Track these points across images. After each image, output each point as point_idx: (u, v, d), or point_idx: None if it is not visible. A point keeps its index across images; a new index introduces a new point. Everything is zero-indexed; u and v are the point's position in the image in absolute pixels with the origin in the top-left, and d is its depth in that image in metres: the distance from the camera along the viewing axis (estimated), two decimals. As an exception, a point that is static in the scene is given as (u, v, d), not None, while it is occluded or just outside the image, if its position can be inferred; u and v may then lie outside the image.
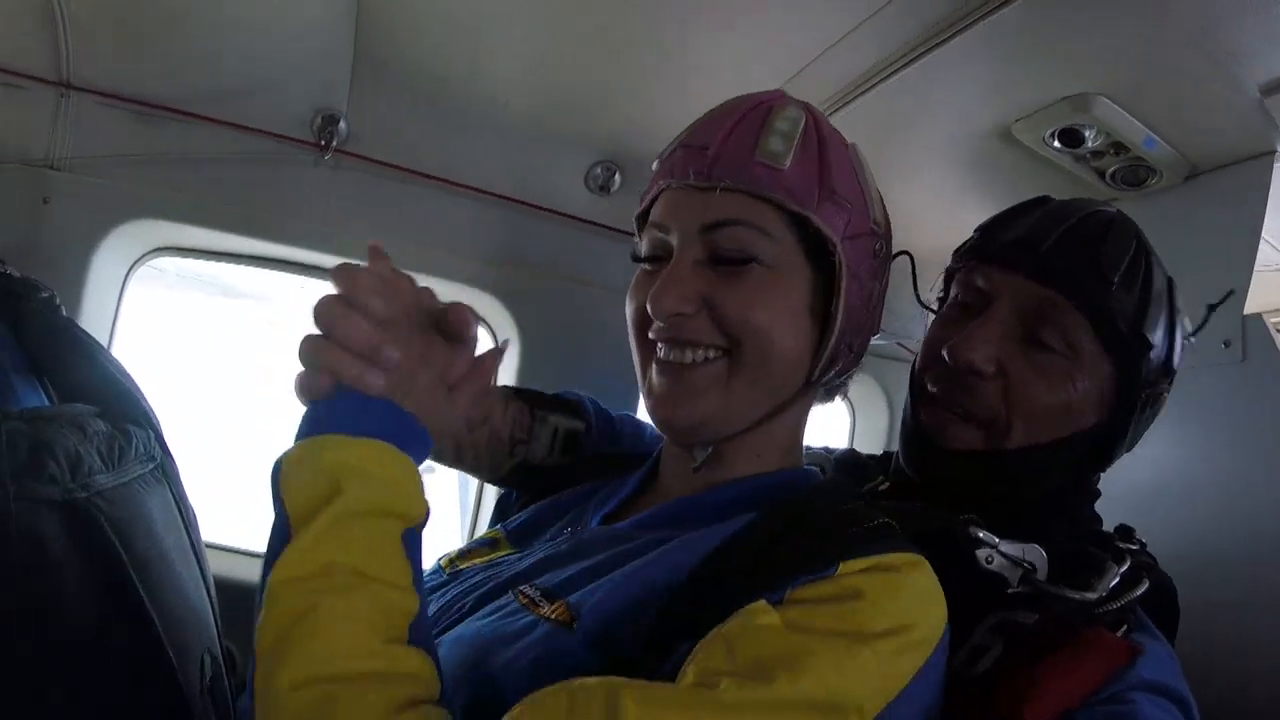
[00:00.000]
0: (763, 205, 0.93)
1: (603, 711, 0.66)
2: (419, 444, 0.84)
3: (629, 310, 1.02)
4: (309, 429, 0.79)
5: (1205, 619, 1.13)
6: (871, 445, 2.63)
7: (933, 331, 1.20)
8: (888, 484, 1.28)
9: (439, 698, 0.74)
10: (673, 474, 1.08)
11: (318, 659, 0.68)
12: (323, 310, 0.80)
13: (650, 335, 0.98)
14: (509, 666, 0.80)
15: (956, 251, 1.23)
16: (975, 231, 1.22)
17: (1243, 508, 1.52)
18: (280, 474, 0.76)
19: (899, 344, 1.22)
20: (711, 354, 0.95)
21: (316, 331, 0.80)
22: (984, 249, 1.17)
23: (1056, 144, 1.62)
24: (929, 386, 1.16)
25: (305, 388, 0.80)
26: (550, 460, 1.27)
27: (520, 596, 0.91)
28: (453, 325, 0.87)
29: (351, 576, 0.72)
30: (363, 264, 0.85)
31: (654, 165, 1.03)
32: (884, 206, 1.05)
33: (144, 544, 0.98)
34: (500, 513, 1.32)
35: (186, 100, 1.74)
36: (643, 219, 1.05)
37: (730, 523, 0.91)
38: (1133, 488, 1.23)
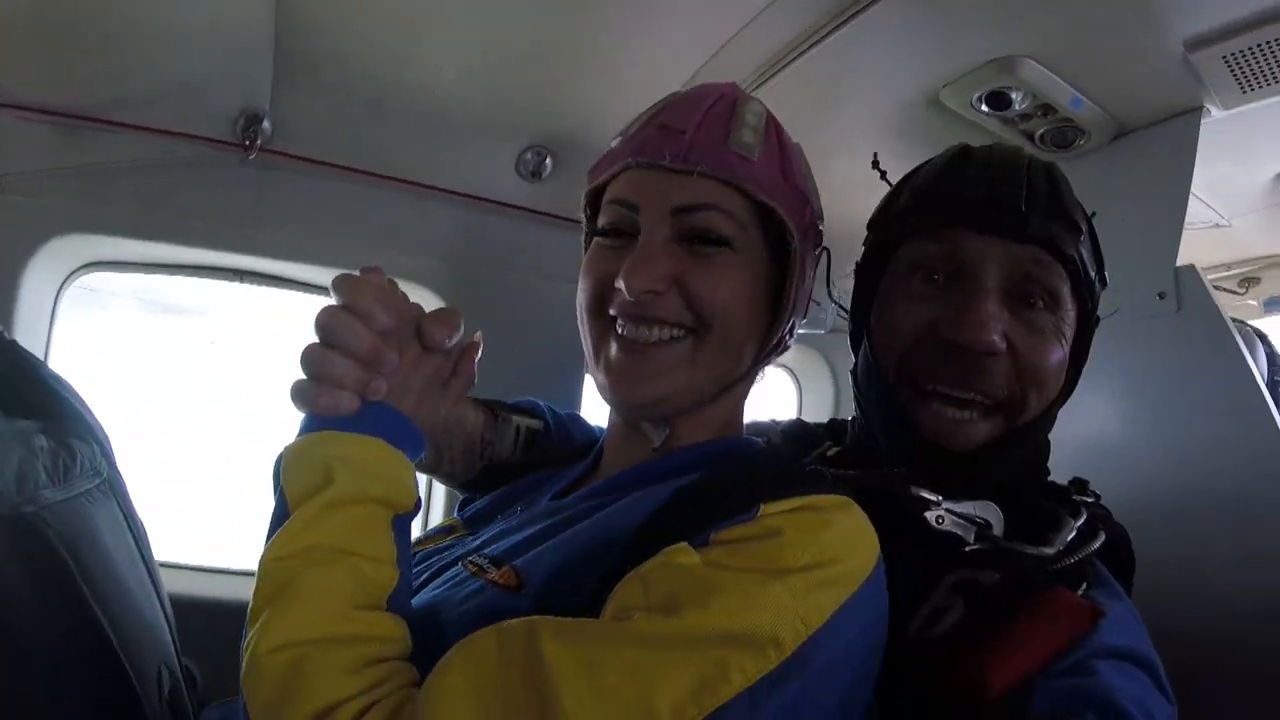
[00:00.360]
0: (733, 192, 0.97)
1: (524, 646, 0.69)
2: (412, 442, 0.90)
3: (585, 284, 1.02)
4: (310, 425, 0.85)
5: (1147, 570, 1.12)
6: (819, 416, 2.64)
7: (908, 312, 1.08)
8: (836, 449, 1.26)
9: (408, 657, 0.79)
10: (620, 452, 1.08)
11: (293, 625, 0.73)
12: (326, 320, 0.85)
13: (611, 311, 0.98)
14: (457, 627, 0.81)
15: (885, 219, 1.18)
16: (908, 195, 1.15)
17: (1181, 458, 1.53)
18: (281, 466, 0.83)
19: (840, 316, 1.20)
20: (677, 333, 0.97)
21: (316, 340, 0.85)
22: (945, 213, 1.07)
23: (984, 108, 1.62)
24: (924, 377, 1.07)
25: (306, 399, 0.85)
26: (514, 458, 1.28)
27: (469, 566, 0.94)
28: (428, 336, 0.92)
29: (333, 553, 0.78)
30: (357, 274, 0.91)
31: (614, 142, 1.05)
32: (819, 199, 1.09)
33: (93, 558, 0.98)
34: (464, 503, 1.31)
35: (107, 109, 1.70)
36: (595, 193, 1.07)
37: (672, 483, 0.92)
38: (1072, 440, 1.23)
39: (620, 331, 0.98)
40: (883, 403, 1.11)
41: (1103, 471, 1.30)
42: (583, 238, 1.11)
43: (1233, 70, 1.44)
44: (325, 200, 1.89)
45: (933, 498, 1.01)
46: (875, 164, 1.24)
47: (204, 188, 1.80)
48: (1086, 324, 1.11)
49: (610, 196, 1.01)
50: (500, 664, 0.69)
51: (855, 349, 1.21)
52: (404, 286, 1.87)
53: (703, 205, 0.96)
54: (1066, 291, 1.06)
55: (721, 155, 0.96)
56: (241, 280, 1.98)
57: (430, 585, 0.97)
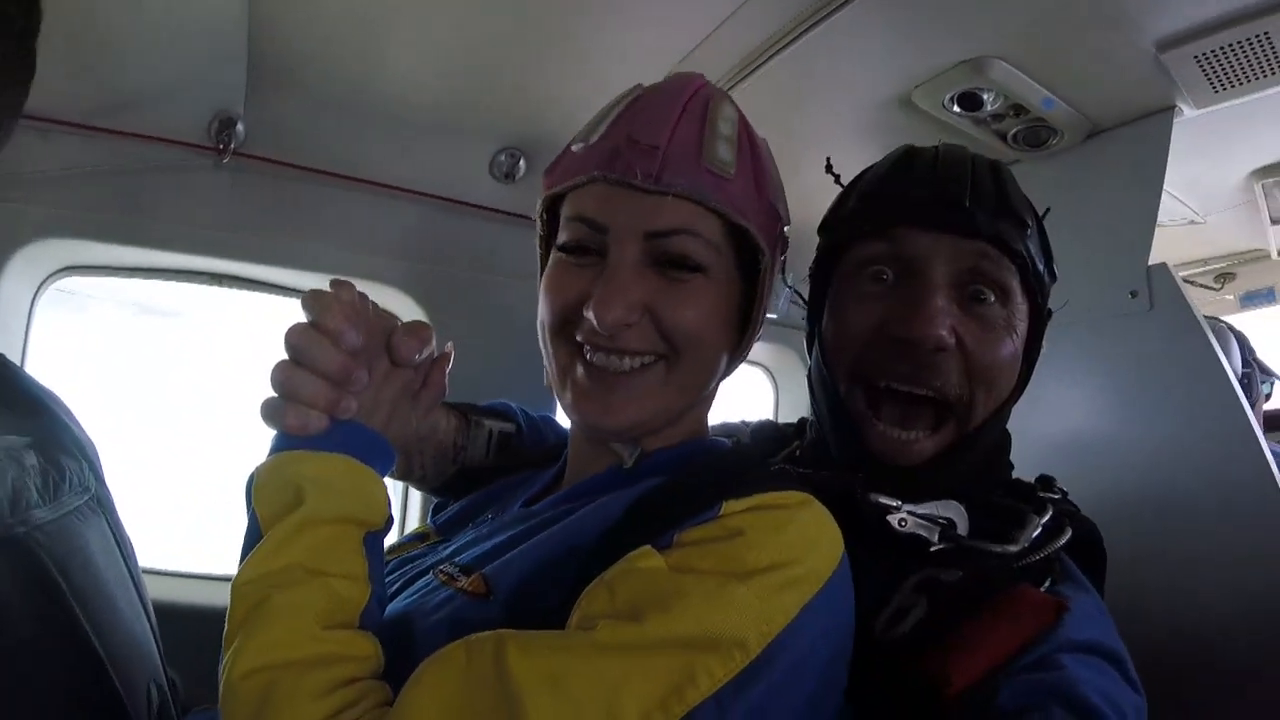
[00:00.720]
0: (708, 215, 0.93)
1: (491, 661, 0.69)
2: (382, 457, 0.89)
3: (549, 304, 0.97)
4: (280, 444, 0.84)
5: (1120, 566, 1.13)
6: (796, 414, 2.63)
7: (858, 312, 1.09)
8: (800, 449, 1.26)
9: (381, 676, 0.78)
10: (587, 459, 1.05)
11: (264, 648, 0.72)
12: (294, 338, 0.84)
13: (578, 337, 0.94)
14: (428, 637, 0.82)
15: (835, 221, 1.18)
16: (855, 197, 1.16)
17: (1154, 455, 1.54)
18: (252, 486, 0.82)
19: (796, 304, 1.21)
20: (648, 360, 0.94)
21: (286, 357, 0.84)
22: (891, 212, 1.08)
23: (956, 109, 1.63)
24: (876, 375, 1.08)
25: (275, 417, 0.84)
26: (487, 462, 1.27)
27: (440, 574, 0.93)
28: (398, 351, 0.92)
29: (304, 573, 0.77)
30: (326, 289, 0.89)
31: (575, 148, 0.98)
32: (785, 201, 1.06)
33: (85, 578, 0.95)
34: (438, 509, 1.30)
35: (81, 113, 1.67)
36: (554, 200, 1.01)
37: (639, 486, 0.92)
38: (1045, 438, 1.24)
39: (588, 358, 0.94)
40: (834, 413, 1.13)
41: (1076, 469, 1.30)
42: (536, 241, 1.07)
43: (1204, 70, 1.45)
44: (300, 203, 1.87)
45: (893, 503, 1.01)
46: (829, 168, 1.23)
47: (178, 192, 1.78)
48: (1038, 318, 1.12)
49: (575, 212, 0.96)
50: (468, 680, 0.69)
51: (810, 353, 1.22)
52: (378, 289, 1.92)
53: (677, 230, 0.91)
54: (1016, 285, 1.07)
55: (696, 175, 0.91)
56: (220, 284, 1.96)
57: (402, 595, 0.95)
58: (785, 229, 1.05)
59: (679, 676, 0.69)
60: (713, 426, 1.32)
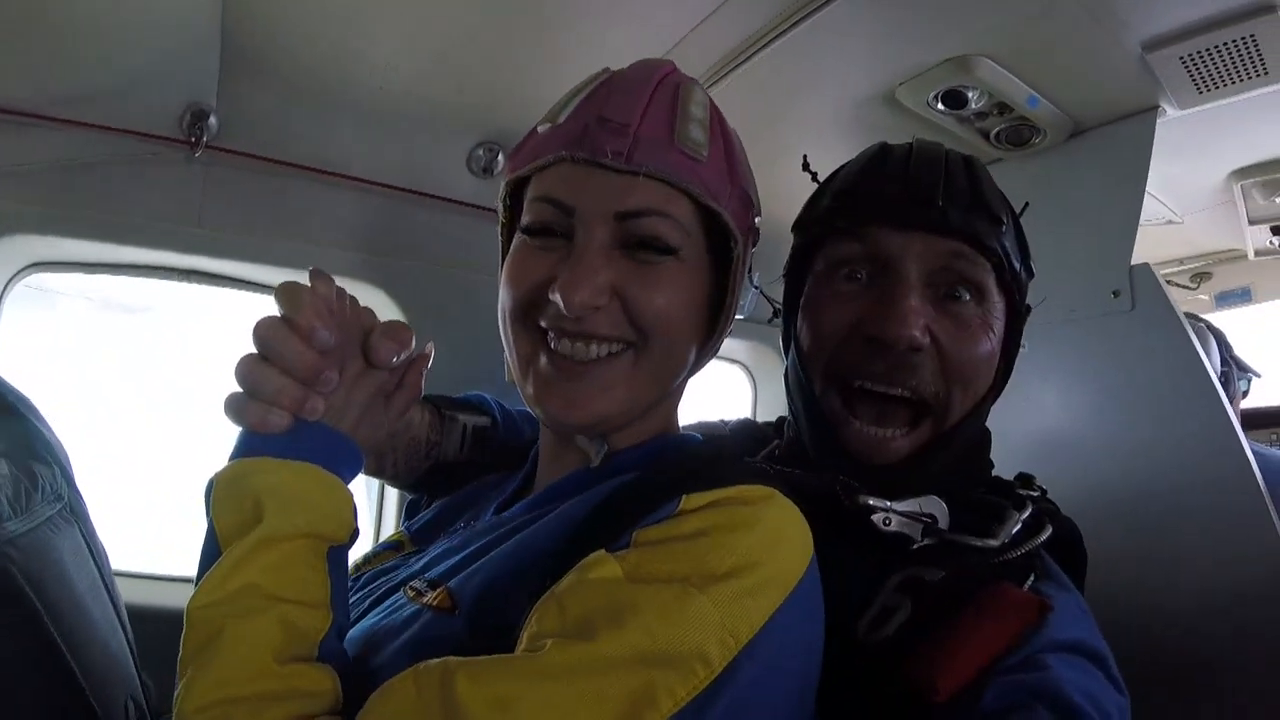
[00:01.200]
0: (680, 196, 0.89)
1: (439, 690, 0.66)
2: (350, 463, 0.86)
3: (510, 290, 0.92)
4: (241, 449, 0.80)
5: (1101, 564, 1.13)
6: (775, 412, 2.62)
7: (832, 312, 1.08)
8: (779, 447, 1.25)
9: (338, 710, 0.74)
10: (554, 460, 1.02)
11: (218, 683, 0.69)
12: (263, 332, 0.80)
13: (542, 323, 0.90)
14: (394, 657, 0.79)
15: (808, 220, 1.16)
16: (828, 196, 1.14)
17: (1134, 455, 1.54)
18: (211, 494, 0.78)
19: (769, 302, 1.20)
20: (616, 348, 0.89)
21: (254, 351, 0.81)
22: (864, 211, 1.07)
23: (940, 106, 1.62)
24: (850, 375, 1.07)
25: (239, 412, 0.80)
26: (462, 457, 1.23)
27: (409, 591, 0.89)
28: (375, 354, 0.88)
29: (261, 599, 0.74)
30: (303, 281, 0.86)
31: (541, 129, 0.94)
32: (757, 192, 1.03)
33: (60, 594, 0.94)
34: (408, 514, 1.27)
35: (50, 105, 1.63)
36: (519, 182, 0.97)
37: (607, 485, 0.89)
38: (1027, 436, 1.24)
39: (553, 346, 0.90)
40: (810, 413, 1.11)
41: (1058, 467, 1.30)
42: (498, 229, 1.03)
43: (1189, 71, 1.45)
44: (273, 198, 1.83)
45: (878, 503, 1.00)
46: (805, 166, 1.22)
47: (149, 186, 1.74)
48: (1016, 315, 1.11)
49: (540, 192, 0.91)
50: (416, 712, 0.66)
51: (786, 353, 1.21)
52: (354, 285, 1.89)
53: (648, 211, 0.87)
54: (992, 283, 1.06)
55: (668, 155, 0.88)
56: (189, 280, 1.92)
57: (373, 612, 0.91)
58: (757, 220, 1.02)
59: (637, 697, 0.65)
60: (692, 425, 1.30)
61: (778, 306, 1.21)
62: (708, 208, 0.90)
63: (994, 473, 1.19)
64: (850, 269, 1.08)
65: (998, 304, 1.08)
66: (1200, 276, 2.94)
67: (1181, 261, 2.89)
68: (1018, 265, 1.09)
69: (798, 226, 1.18)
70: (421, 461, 1.20)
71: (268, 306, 0.84)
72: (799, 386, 1.13)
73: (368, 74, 1.70)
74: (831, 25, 1.44)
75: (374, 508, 2.05)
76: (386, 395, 0.93)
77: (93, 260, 1.87)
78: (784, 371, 1.21)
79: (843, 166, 1.18)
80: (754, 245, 1.02)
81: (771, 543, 0.77)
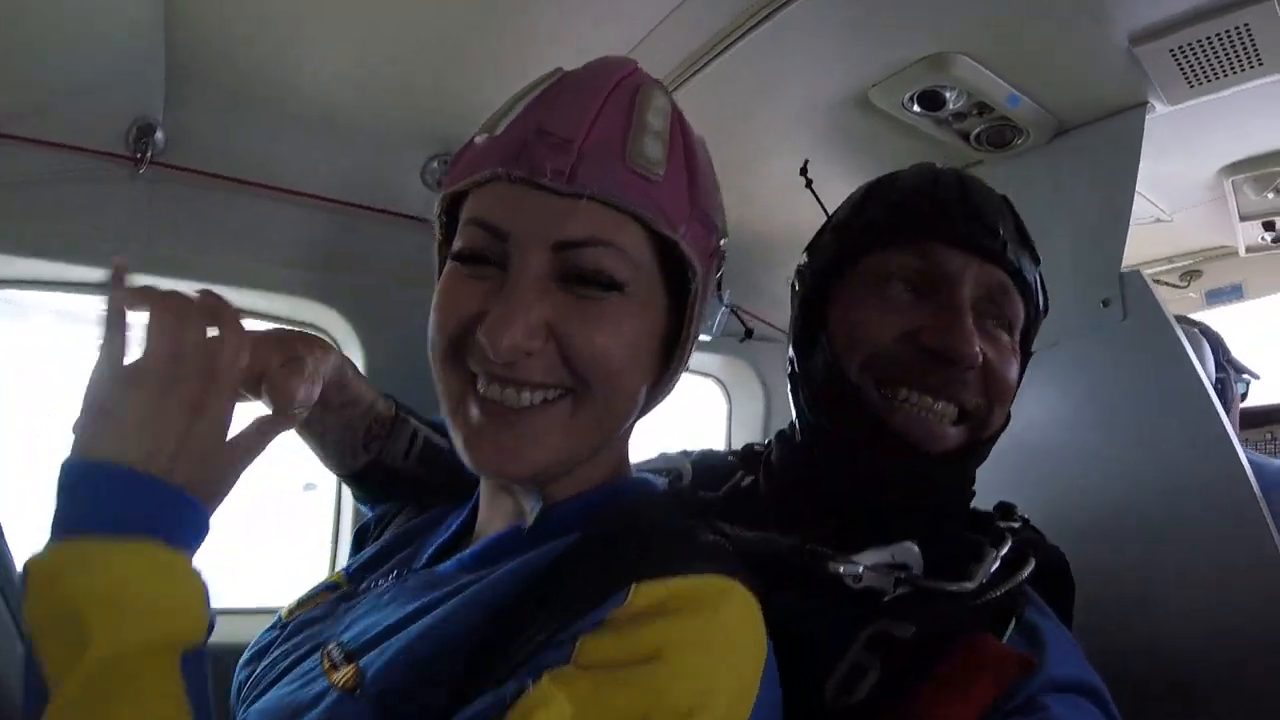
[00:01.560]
0: (629, 222, 0.77)
1: None
2: (192, 525, 0.71)
3: (438, 323, 0.81)
4: (58, 525, 0.66)
5: (1096, 582, 1.10)
6: (749, 432, 2.58)
7: (883, 318, 1.05)
8: (750, 479, 1.21)
9: None
10: (492, 510, 0.92)
11: None
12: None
13: (471, 366, 0.79)
14: None
15: (853, 227, 1.12)
16: (880, 207, 1.11)
17: (1127, 468, 1.49)
18: (29, 592, 0.64)
19: (769, 324, 1.15)
20: (552, 394, 0.79)
21: None
22: (927, 226, 1.05)
23: (917, 108, 1.55)
24: (892, 381, 1.03)
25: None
26: (407, 467, 1.12)
27: (325, 658, 0.79)
28: (274, 395, 0.81)
29: None
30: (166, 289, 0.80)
31: (478, 139, 0.82)
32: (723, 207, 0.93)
33: None
34: (355, 544, 1.19)
35: (-2, 122, 1.57)
36: (455, 202, 0.85)
37: (546, 547, 0.80)
38: (1016, 452, 1.18)
39: (483, 391, 0.79)
40: (848, 401, 1.06)
41: (1048, 481, 1.26)
42: (434, 249, 0.91)
43: (1180, 64, 1.40)
44: (222, 215, 1.75)
45: (847, 568, 0.95)
46: (804, 171, 1.20)
47: (97, 204, 1.66)
48: (1026, 351, 1.12)
49: (473, 214, 0.80)
50: None
51: (802, 353, 1.14)
52: (304, 304, 1.81)
53: (591, 241, 0.76)
54: (1021, 319, 1.08)
55: (617, 175, 0.76)
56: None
57: (287, 679, 0.81)
58: (722, 242, 0.90)
59: None
60: (651, 460, 1.23)
61: (750, 327, 1.17)
62: (663, 235, 0.79)
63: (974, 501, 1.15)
64: (902, 280, 1.06)
65: (1018, 337, 1.09)
66: (1190, 275, 2.90)
67: (1170, 260, 2.85)
68: (1041, 305, 1.11)
69: (839, 230, 1.15)
70: (358, 450, 1.10)
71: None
72: (830, 381, 1.07)
73: (316, 86, 1.63)
74: (797, 25, 1.37)
75: (331, 526, 1.97)
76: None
77: (48, 279, 1.80)
78: (789, 372, 1.17)
79: (888, 178, 1.16)
80: (719, 269, 0.92)
81: (731, 657, 0.69)
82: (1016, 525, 1.09)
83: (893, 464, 1.02)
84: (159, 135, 1.64)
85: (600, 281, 0.77)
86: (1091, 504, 1.49)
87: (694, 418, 2.62)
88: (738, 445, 1.39)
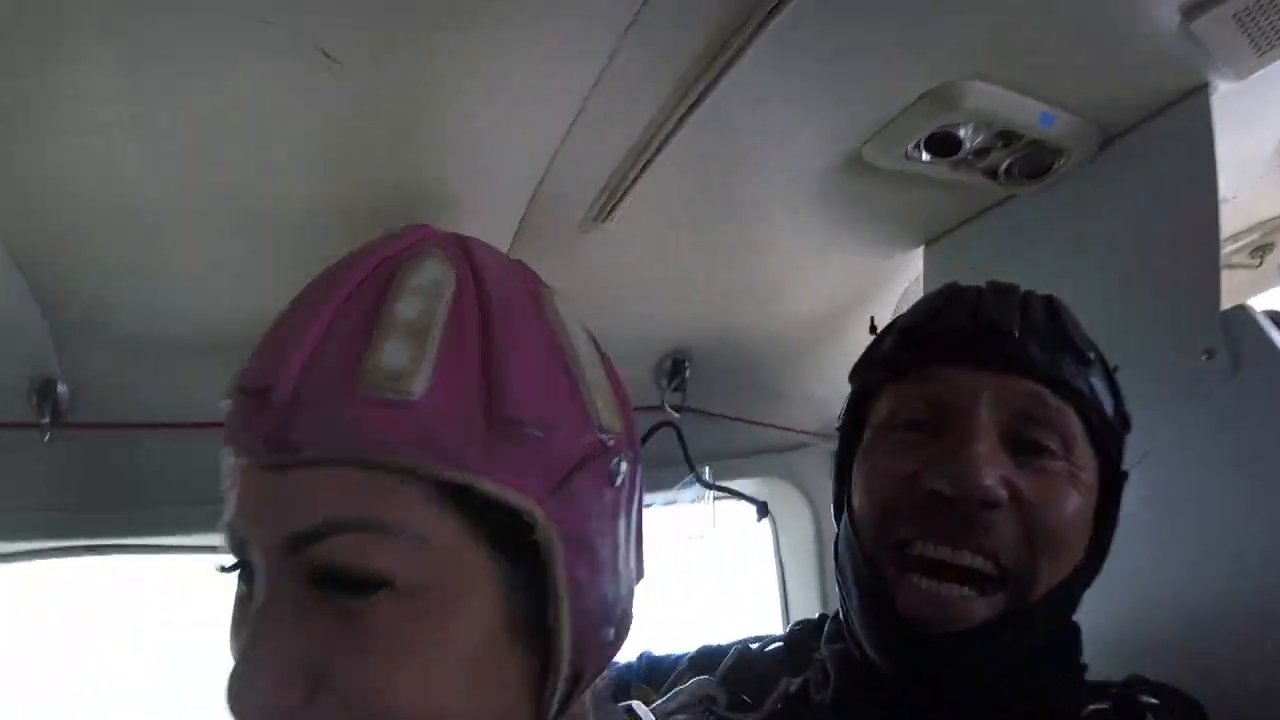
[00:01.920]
0: (385, 477, 0.51)
1: None
2: None
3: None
4: None
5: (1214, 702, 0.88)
6: (799, 560, 2.10)
7: (889, 466, 0.91)
8: (800, 680, 1.00)
9: None
10: None
11: None
12: None
13: None
14: None
15: (866, 364, 1.03)
16: (891, 336, 1.00)
17: (1248, 569, 1.10)
18: None
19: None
20: None
21: None
22: (929, 348, 0.93)
23: (926, 156, 1.28)
24: (904, 539, 0.88)
25: None
26: None
27: None
28: None
29: None
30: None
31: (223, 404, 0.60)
32: (618, 388, 0.64)
33: None
34: None
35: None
36: None
37: None
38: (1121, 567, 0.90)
39: None
40: (859, 575, 0.92)
41: (1137, 581, 1.07)
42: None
43: (1246, 29, 1.12)
44: (138, 466, 1.56)
45: None
46: (873, 327, 1.06)
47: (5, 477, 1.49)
48: (1113, 473, 0.92)
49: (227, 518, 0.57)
50: None
51: (837, 519, 1.03)
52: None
53: (327, 529, 0.50)
54: (1078, 432, 0.88)
55: (341, 413, 0.51)
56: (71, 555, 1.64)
57: None
58: (610, 438, 0.59)
59: None
60: (676, 694, 1.00)
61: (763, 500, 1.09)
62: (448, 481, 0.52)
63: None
64: (912, 416, 0.93)
65: (1088, 457, 0.89)
66: (1261, 250, 2.62)
67: (1236, 238, 2.54)
68: (1110, 411, 0.91)
69: (856, 371, 1.05)
70: None
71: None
72: (850, 556, 0.94)
73: (211, 312, 1.45)
74: (759, 84, 1.11)
75: None
76: None
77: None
78: (834, 540, 1.02)
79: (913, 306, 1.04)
80: (632, 463, 0.63)
81: None
82: (1154, 703, 0.88)
83: (903, 655, 0.87)
84: (61, 388, 1.49)
85: (350, 584, 0.51)
86: (1207, 622, 1.12)
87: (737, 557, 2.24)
88: (793, 579, 1.34)
